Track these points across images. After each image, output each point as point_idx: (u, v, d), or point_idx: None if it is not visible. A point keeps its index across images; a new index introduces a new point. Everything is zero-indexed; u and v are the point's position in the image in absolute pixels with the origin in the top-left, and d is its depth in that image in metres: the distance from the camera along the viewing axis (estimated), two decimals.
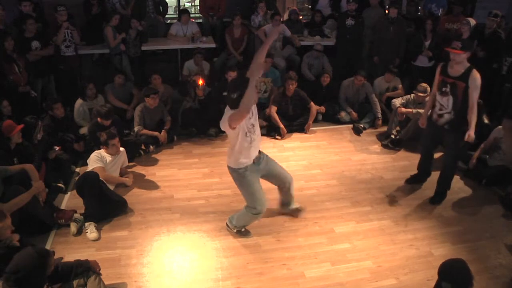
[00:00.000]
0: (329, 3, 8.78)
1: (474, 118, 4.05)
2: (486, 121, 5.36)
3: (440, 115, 4.26)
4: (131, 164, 5.16)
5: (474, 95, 4.00)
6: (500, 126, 5.00)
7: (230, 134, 3.52)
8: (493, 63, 6.20)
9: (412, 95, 5.95)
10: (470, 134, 4.01)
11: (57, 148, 4.83)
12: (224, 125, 3.43)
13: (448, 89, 4.14)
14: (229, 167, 3.69)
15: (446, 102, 4.17)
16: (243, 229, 3.99)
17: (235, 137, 3.46)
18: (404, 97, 6.07)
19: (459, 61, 4.03)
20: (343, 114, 6.55)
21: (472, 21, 6.33)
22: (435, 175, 5.00)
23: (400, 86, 6.66)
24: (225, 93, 6.06)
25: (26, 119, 4.63)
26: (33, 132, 4.61)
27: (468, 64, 4.06)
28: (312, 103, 6.30)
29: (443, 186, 4.61)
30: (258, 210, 3.72)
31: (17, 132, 4.21)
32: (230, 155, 3.60)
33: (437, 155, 5.12)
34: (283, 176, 3.95)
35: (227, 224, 4.03)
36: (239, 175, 3.63)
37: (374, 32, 7.25)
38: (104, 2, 7.58)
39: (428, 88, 5.80)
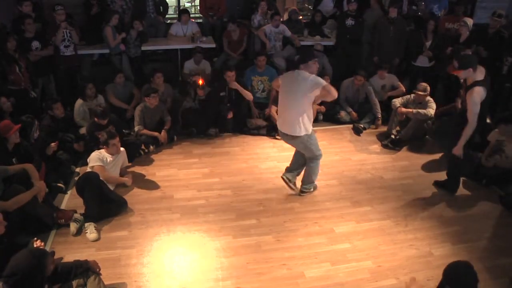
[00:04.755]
0: (333, 2, 8.74)
1: (467, 133, 4.22)
2: (488, 120, 5.35)
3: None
4: (131, 164, 5.16)
5: (472, 110, 4.11)
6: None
7: (306, 102, 4.16)
8: (496, 63, 6.19)
9: (412, 95, 5.95)
10: (456, 149, 4.29)
11: (53, 144, 4.84)
12: (314, 89, 4.08)
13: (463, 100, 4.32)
14: (300, 136, 4.27)
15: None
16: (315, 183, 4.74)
17: (309, 104, 4.20)
18: (404, 97, 6.06)
19: (463, 77, 4.20)
20: (343, 114, 6.55)
21: (470, 21, 6.31)
22: (434, 176, 5.02)
23: (399, 83, 6.66)
24: (222, 94, 6.14)
25: (22, 118, 4.64)
26: (29, 132, 4.61)
27: (475, 78, 4.12)
28: None
29: (452, 174, 4.66)
30: (320, 153, 4.51)
31: (14, 132, 4.20)
32: (303, 122, 4.20)
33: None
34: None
35: (303, 191, 4.64)
36: (310, 136, 4.35)
37: (372, 33, 7.24)
38: (104, 2, 7.57)
39: (428, 88, 5.80)
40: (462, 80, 4.42)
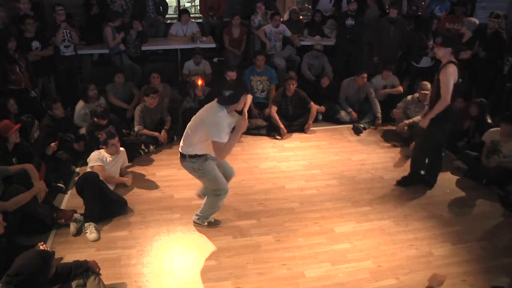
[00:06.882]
0: (331, 2, 8.75)
1: (437, 108, 4.18)
2: (489, 120, 5.35)
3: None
4: (131, 164, 5.16)
5: (445, 88, 4.09)
6: (494, 129, 4.97)
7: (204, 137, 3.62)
8: (495, 63, 6.19)
9: (411, 96, 5.96)
10: (421, 118, 4.31)
11: (53, 144, 4.83)
12: (216, 136, 3.49)
13: (433, 84, 4.32)
14: (192, 156, 3.66)
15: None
16: (212, 219, 4.11)
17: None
18: (404, 101, 6.05)
19: (441, 56, 4.17)
20: (343, 114, 6.55)
21: (475, 22, 6.33)
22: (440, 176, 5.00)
23: (398, 83, 6.67)
24: None
25: (22, 118, 4.64)
26: (29, 131, 4.61)
27: (450, 59, 4.13)
28: (312, 103, 6.30)
29: (412, 170, 4.79)
30: (223, 188, 3.83)
31: (14, 132, 4.20)
32: (193, 144, 3.66)
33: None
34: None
35: (194, 221, 4.12)
36: (203, 163, 3.68)
37: (371, 32, 7.24)
38: (104, 3, 7.58)
39: (429, 86, 5.79)
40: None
